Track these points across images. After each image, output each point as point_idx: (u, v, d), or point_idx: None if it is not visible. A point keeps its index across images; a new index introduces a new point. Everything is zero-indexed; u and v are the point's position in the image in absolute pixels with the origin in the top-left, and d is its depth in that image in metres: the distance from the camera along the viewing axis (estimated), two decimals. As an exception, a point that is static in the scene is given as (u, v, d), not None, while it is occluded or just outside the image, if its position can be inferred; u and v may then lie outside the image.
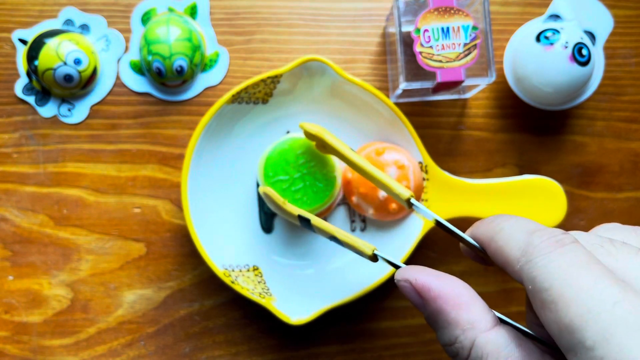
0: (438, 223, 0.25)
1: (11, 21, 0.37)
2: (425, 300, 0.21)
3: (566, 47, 0.33)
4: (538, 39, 0.34)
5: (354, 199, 0.35)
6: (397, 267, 0.24)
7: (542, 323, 0.18)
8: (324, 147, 0.32)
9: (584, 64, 0.34)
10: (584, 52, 0.33)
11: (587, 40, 0.34)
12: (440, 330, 0.20)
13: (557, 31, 0.34)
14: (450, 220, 0.35)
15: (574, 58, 0.33)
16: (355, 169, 0.31)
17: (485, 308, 0.20)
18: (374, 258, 0.26)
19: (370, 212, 0.35)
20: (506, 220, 0.21)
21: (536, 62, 0.34)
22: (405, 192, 0.27)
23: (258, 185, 0.36)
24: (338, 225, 0.37)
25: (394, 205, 0.34)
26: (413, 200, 0.27)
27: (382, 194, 0.33)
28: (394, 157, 0.34)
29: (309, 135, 0.33)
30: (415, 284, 0.21)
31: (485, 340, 0.20)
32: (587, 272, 0.17)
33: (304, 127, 0.32)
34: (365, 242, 0.27)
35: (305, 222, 0.30)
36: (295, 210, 0.31)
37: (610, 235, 0.20)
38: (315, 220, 0.30)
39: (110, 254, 0.37)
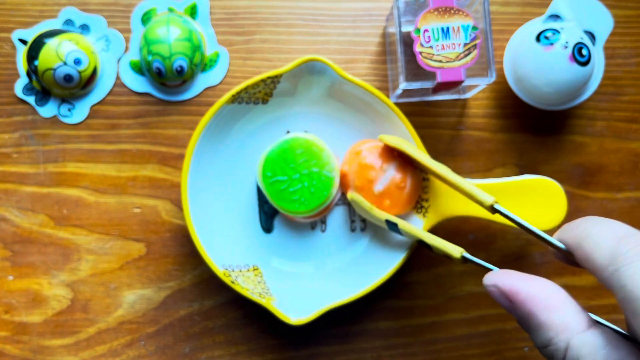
0: (524, 227, 0.25)
1: (11, 21, 0.37)
2: (514, 303, 0.21)
3: (566, 47, 0.33)
4: (538, 39, 0.34)
5: (349, 192, 0.35)
6: (487, 269, 0.24)
7: (632, 329, 0.18)
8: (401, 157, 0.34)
9: (584, 64, 0.34)
10: (584, 52, 0.33)
11: (587, 40, 0.34)
12: (532, 333, 0.20)
13: (557, 31, 0.34)
14: (450, 220, 0.35)
15: (574, 58, 0.33)
16: (436, 176, 0.33)
17: (579, 309, 0.20)
18: (463, 260, 0.28)
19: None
20: (593, 226, 0.21)
21: (536, 62, 0.34)
22: (489, 199, 0.27)
23: (258, 185, 0.36)
24: (338, 225, 0.37)
25: (387, 202, 0.34)
26: (497, 206, 0.27)
27: (377, 188, 0.33)
28: (392, 155, 0.34)
29: (385, 146, 0.34)
30: (503, 288, 0.21)
31: (580, 341, 0.19)
32: None
33: (384, 139, 0.34)
34: (453, 245, 0.29)
35: (392, 226, 0.33)
36: (383, 215, 0.33)
37: None
38: (403, 224, 0.32)
39: (110, 254, 0.37)
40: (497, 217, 0.32)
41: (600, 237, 0.20)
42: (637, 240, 0.19)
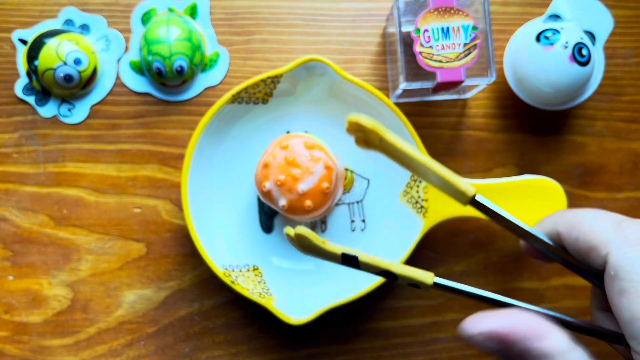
0: (501, 218, 0.25)
1: (11, 21, 0.37)
2: (508, 344, 0.21)
3: (566, 47, 0.33)
4: (538, 39, 0.34)
5: (267, 184, 0.33)
6: (457, 291, 0.24)
7: (612, 307, 0.19)
8: (366, 143, 0.29)
9: (584, 64, 0.34)
10: (584, 52, 0.33)
11: (587, 40, 0.34)
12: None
13: (557, 31, 0.34)
14: (450, 220, 0.35)
15: (574, 58, 0.33)
16: (412, 165, 0.28)
17: (558, 328, 0.21)
18: (434, 287, 0.25)
19: (281, 203, 0.33)
20: (584, 211, 0.23)
21: (536, 62, 0.34)
22: (471, 190, 0.26)
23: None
24: (338, 225, 0.37)
25: (308, 203, 0.32)
26: (478, 197, 0.26)
27: (301, 187, 0.32)
28: (322, 155, 0.33)
29: (356, 128, 0.28)
30: (491, 335, 0.21)
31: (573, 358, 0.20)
32: None
33: (358, 120, 0.27)
34: (424, 271, 0.25)
35: (349, 260, 0.26)
36: (338, 248, 0.27)
37: None
38: (363, 257, 0.26)
39: (110, 254, 0.37)
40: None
41: (597, 219, 0.21)
42: (638, 224, 0.20)
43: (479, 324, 0.21)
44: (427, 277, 0.25)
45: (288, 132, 0.36)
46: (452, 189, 0.26)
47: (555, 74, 0.34)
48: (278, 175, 0.32)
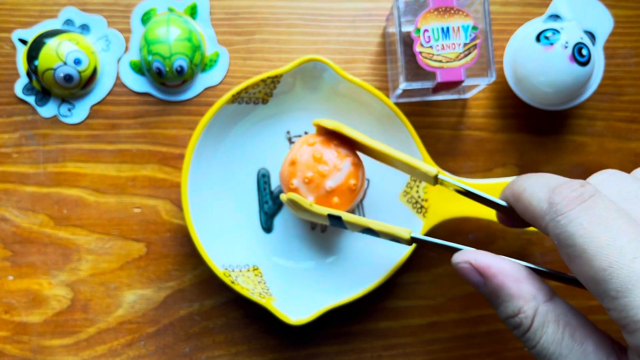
0: (466, 192, 0.27)
1: (11, 21, 0.37)
2: (486, 277, 0.22)
3: (566, 47, 0.33)
4: (538, 39, 0.34)
5: (295, 181, 0.32)
6: (437, 245, 0.26)
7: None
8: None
9: (584, 64, 0.34)
10: (584, 52, 0.34)
11: (587, 40, 0.34)
12: (502, 305, 0.22)
13: (557, 31, 0.34)
14: (450, 220, 0.35)
15: (574, 58, 0.33)
16: (375, 154, 0.32)
17: (542, 282, 0.22)
18: (412, 241, 0.28)
19: (309, 200, 0.32)
20: (527, 179, 0.23)
21: (536, 62, 0.34)
22: (433, 170, 0.29)
23: (259, 185, 0.36)
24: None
25: (336, 200, 0.32)
26: (440, 175, 0.29)
27: (329, 184, 0.32)
28: (349, 152, 0.33)
29: (323, 131, 0.33)
30: (475, 264, 0.22)
31: (547, 309, 0.21)
32: (606, 228, 0.18)
33: (320, 122, 0.32)
34: (401, 227, 0.28)
35: (335, 220, 0.31)
36: (324, 210, 0.31)
37: None
38: (347, 216, 0.30)
39: (110, 254, 0.37)
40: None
41: (534, 190, 0.21)
42: (569, 188, 0.20)
43: (467, 255, 0.23)
44: (404, 232, 0.28)
45: (288, 132, 0.36)
46: (417, 172, 0.30)
47: (555, 74, 0.34)
48: (306, 172, 0.32)
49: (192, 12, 0.38)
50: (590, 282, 0.18)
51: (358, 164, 0.33)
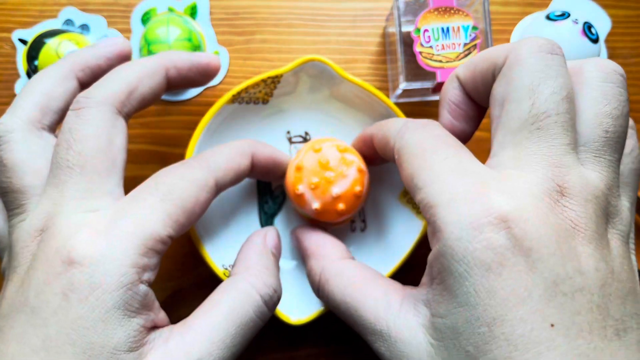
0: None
1: (11, 21, 0.37)
2: (298, 242, 0.32)
3: (576, 22, 0.33)
4: (548, 17, 0.34)
5: (300, 187, 0.32)
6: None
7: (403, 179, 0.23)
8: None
9: (594, 41, 0.33)
10: (593, 31, 0.33)
11: (594, 22, 0.34)
12: (306, 262, 0.30)
13: (566, 12, 0.34)
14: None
15: (584, 34, 0.33)
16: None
17: (342, 249, 0.30)
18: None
19: (314, 206, 0.32)
20: (388, 120, 0.28)
21: (548, 36, 0.33)
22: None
23: (259, 185, 0.36)
24: (338, 226, 0.37)
25: (341, 206, 0.32)
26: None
27: (335, 190, 0.32)
28: (354, 159, 0.33)
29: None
30: (295, 233, 0.33)
31: (330, 267, 0.27)
32: (432, 140, 0.23)
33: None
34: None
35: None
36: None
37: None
38: None
39: (110, 254, 0.37)
40: None
41: (393, 122, 0.27)
42: (419, 120, 0.25)
43: (299, 229, 0.34)
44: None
45: (288, 132, 0.36)
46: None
47: (567, 47, 0.33)
48: (312, 178, 0.32)
49: (192, 12, 0.38)
50: (409, 179, 0.22)
51: (363, 171, 0.33)
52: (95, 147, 0.24)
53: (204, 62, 0.29)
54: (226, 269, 0.34)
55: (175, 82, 0.29)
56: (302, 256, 0.30)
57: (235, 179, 0.29)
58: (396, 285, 0.24)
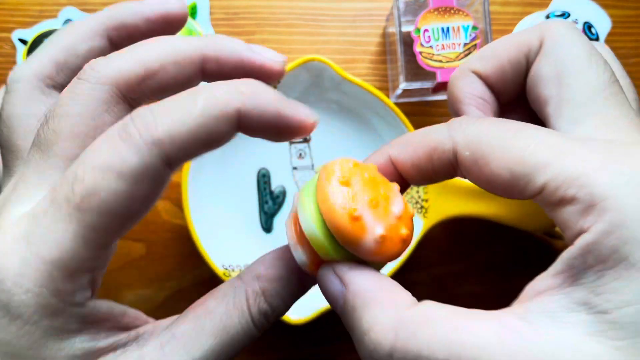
0: None
1: (11, 21, 0.37)
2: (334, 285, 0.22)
3: (576, 22, 0.33)
4: (547, 17, 0.34)
5: (359, 207, 0.21)
6: None
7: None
8: None
9: (594, 41, 0.33)
10: (593, 30, 0.33)
11: (594, 22, 0.34)
12: (350, 315, 0.21)
13: (566, 12, 0.34)
14: (450, 220, 0.35)
15: (584, 33, 0.33)
16: None
17: (406, 292, 0.21)
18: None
19: (377, 233, 0.20)
20: (406, 136, 0.22)
21: None
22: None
23: (258, 185, 0.36)
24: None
25: (404, 231, 0.21)
26: None
27: (396, 209, 0.21)
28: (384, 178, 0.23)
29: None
30: (337, 271, 0.22)
31: (411, 316, 0.20)
32: (505, 122, 0.19)
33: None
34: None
35: None
36: None
37: None
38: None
39: (110, 254, 0.37)
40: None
41: (429, 134, 0.21)
42: (462, 117, 0.21)
43: (332, 266, 0.22)
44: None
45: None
46: None
47: None
48: (368, 194, 0.21)
49: (192, 12, 0.38)
50: (511, 163, 0.18)
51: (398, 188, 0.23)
52: (70, 130, 0.20)
53: (258, 63, 0.22)
54: (226, 269, 0.34)
55: (212, 79, 0.22)
56: (338, 304, 0.21)
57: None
58: (487, 313, 0.18)
